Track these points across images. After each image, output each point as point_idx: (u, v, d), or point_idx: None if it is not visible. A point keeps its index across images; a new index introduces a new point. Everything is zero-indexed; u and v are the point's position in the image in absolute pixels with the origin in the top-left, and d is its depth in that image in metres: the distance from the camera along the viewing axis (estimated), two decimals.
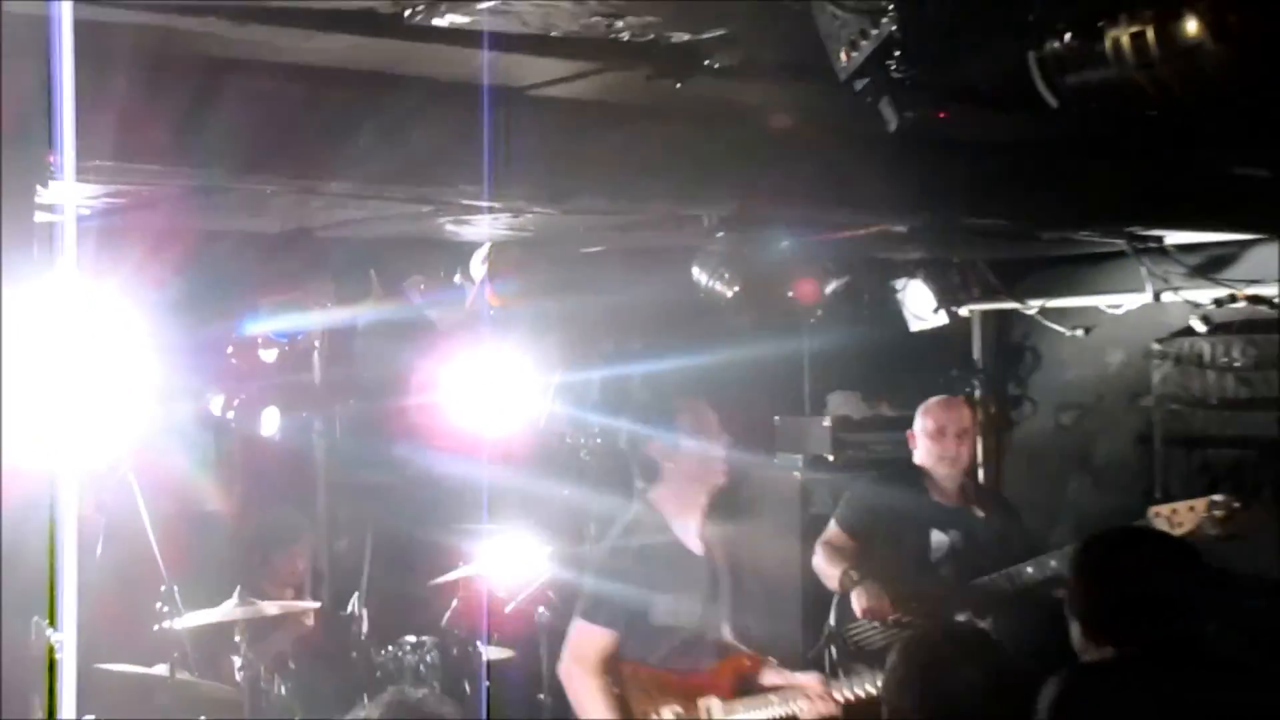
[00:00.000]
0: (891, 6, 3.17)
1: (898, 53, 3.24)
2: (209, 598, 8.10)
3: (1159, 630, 4.25)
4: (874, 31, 3.28)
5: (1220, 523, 7.17)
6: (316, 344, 9.89)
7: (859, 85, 3.43)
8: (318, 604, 8.93)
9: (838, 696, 6.64)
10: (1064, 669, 4.28)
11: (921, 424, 7.99)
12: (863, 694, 6.57)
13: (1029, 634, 7.55)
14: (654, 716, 6.50)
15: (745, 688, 6.71)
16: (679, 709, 6.53)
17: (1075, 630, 4.50)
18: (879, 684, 6.40)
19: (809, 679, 6.76)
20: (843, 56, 3.42)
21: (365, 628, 8.69)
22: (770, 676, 6.85)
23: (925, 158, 6.71)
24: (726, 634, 6.87)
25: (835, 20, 3.42)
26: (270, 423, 9.50)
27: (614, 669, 6.55)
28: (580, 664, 6.54)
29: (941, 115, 3.40)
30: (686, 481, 6.73)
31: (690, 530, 6.75)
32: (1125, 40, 3.49)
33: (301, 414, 9.83)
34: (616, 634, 6.52)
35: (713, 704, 6.56)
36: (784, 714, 6.63)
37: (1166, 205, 7.86)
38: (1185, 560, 4.52)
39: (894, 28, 3.21)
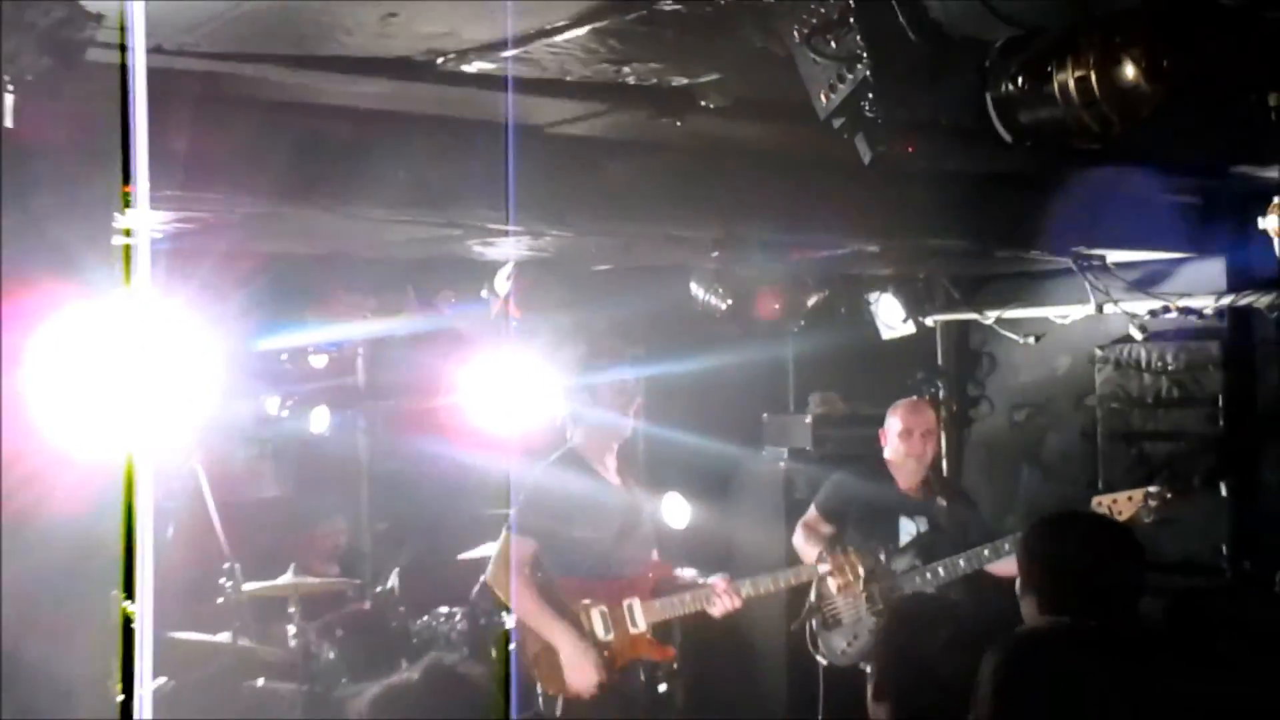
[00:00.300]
0: (865, 54, 3.17)
1: (871, 95, 3.25)
2: (266, 573, 8.10)
3: (1096, 604, 4.21)
4: (850, 75, 3.28)
5: (1155, 510, 7.18)
6: (360, 351, 9.91)
7: (837, 123, 3.43)
8: (359, 580, 8.93)
9: (743, 592, 6.96)
10: (1006, 635, 4.26)
11: (891, 423, 7.99)
12: (762, 590, 7.09)
13: (983, 609, 7.60)
14: (582, 614, 6.74)
15: (662, 590, 6.95)
16: (604, 608, 6.77)
17: (1025, 607, 4.47)
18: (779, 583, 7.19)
19: (717, 579, 7.03)
20: (822, 98, 3.42)
21: (403, 601, 8.69)
22: (683, 580, 7.24)
23: (895, 187, 6.72)
24: (649, 553, 7.10)
25: (816, 65, 3.42)
26: (319, 420, 9.50)
27: (541, 580, 6.81)
28: (506, 569, 6.79)
29: (910, 149, 3.39)
30: (600, 435, 7.03)
31: (609, 468, 7.07)
32: (1071, 82, 3.48)
33: (347, 413, 9.83)
34: (538, 544, 6.81)
35: (634, 603, 6.81)
36: (696, 609, 6.95)
37: (1106, 228, 7.86)
38: (1120, 541, 4.51)
39: (867, 73, 3.21)
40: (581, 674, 6.60)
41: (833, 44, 3.31)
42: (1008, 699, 3.90)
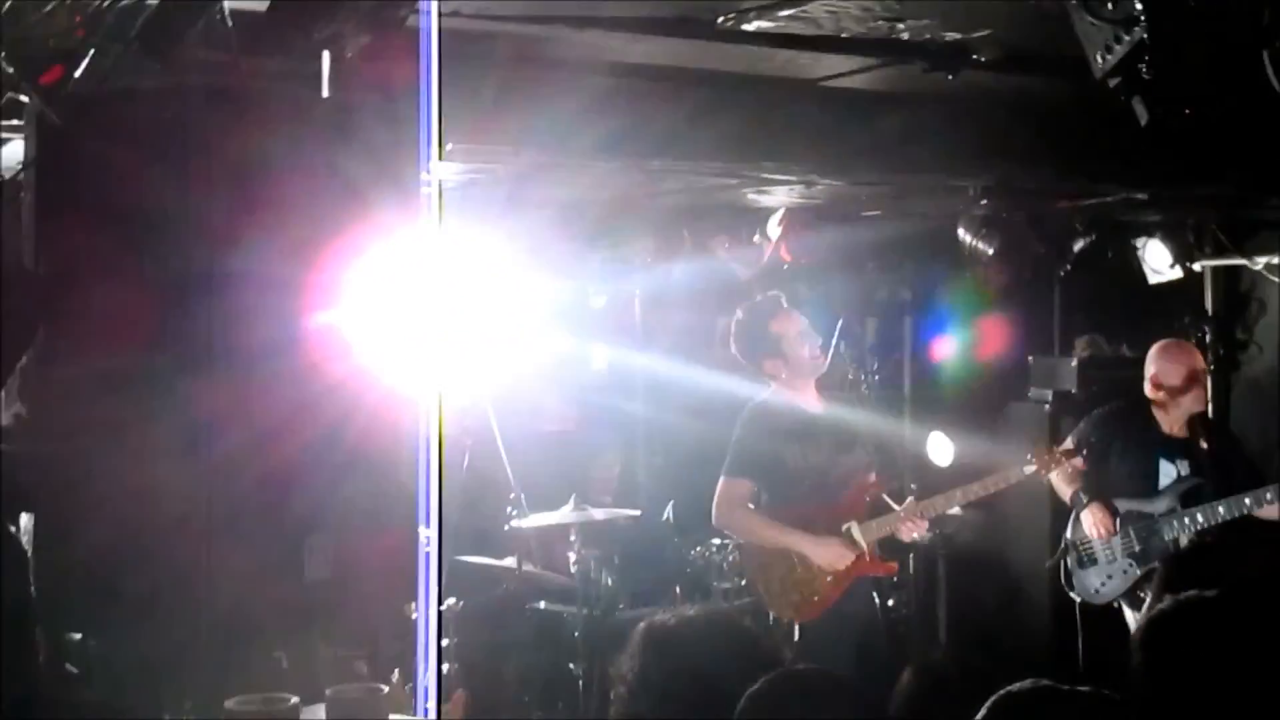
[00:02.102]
0: (1143, 17, 3.11)
1: (1147, 57, 3.19)
2: (549, 505, 8.27)
3: None
4: (1126, 37, 3.22)
5: None
6: (637, 292, 10.00)
7: (1113, 83, 3.37)
8: (638, 511, 9.05)
9: (938, 508, 6.97)
10: None
11: (1152, 364, 7.77)
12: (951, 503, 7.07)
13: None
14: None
15: (878, 509, 6.87)
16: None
17: None
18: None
19: (911, 499, 6.94)
20: (1099, 58, 3.36)
21: (678, 531, 8.80)
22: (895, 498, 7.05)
23: (1165, 137, 6.55)
24: (865, 475, 7.00)
25: (1092, 27, 3.36)
26: (600, 357, 9.65)
27: (763, 511, 6.85)
28: (729, 508, 6.85)
29: (1187, 112, 3.32)
30: (796, 371, 6.93)
31: (811, 399, 6.99)
32: None
33: (625, 350, 9.94)
34: (753, 482, 6.85)
35: (851, 526, 6.76)
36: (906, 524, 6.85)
37: None
38: None
39: (1144, 35, 3.15)
40: (835, 555, 6.66)
41: (1110, 5, 3.26)
42: None
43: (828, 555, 6.67)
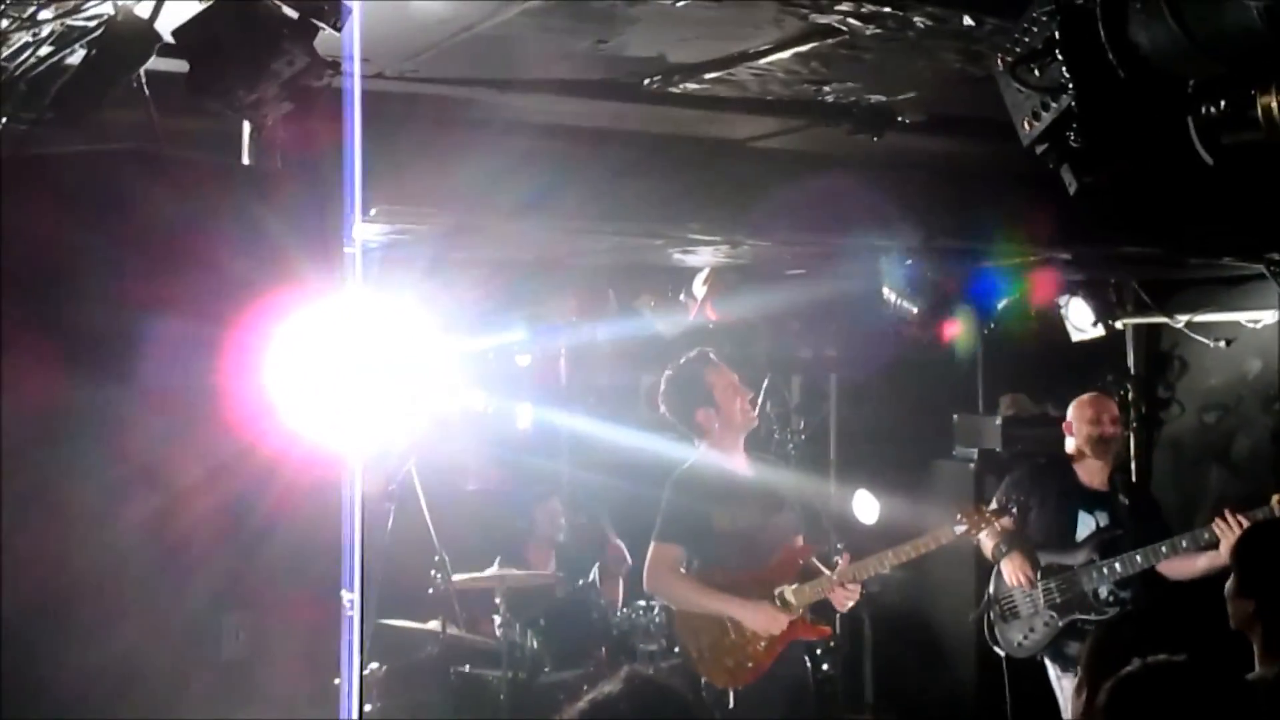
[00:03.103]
0: (1070, 85, 3.11)
1: (1075, 125, 3.19)
2: (474, 564, 8.21)
3: None
4: (1054, 104, 3.22)
5: None
6: (563, 351, 9.98)
7: (1040, 150, 3.37)
8: (560, 574, 8.98)
9: (870, 570, 6.90)
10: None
11: (1073, 417, 7.82)
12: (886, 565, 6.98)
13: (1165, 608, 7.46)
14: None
15: (810, 572, 6.83)
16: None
17: (1235, 608, 4.12)
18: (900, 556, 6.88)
19: (840, 557, 6.95)
20: (1026, 125, 3.36)
21: (603, 593, 8.75)
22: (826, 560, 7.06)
23: (1088, 198, 6.60)
24: (794, 538, 6.98)
25: (1019, 94, 3.36)
26: (524, 416, 9.60)
27: (694, 576, 6.79)
28: (660, 573, 6.80)
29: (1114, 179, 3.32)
30: (726, 432, 6.89)
31: (740, 462, 6.95)
32: (1275, 105, 3.38)
33: (550, 409, 9.90)
34: (683, 547, 6.76)
35: (784, 590, 6.71)
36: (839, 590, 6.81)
37: None
38: None
39: (1072, 103, 3.15)
40: (769, 620, 6.61)
41: (1037, 73, 3.26)
42: None
43: (761, 620, 6.62)
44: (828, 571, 6.81)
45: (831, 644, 7.38)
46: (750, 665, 6.67)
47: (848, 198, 6.63)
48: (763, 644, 6.66)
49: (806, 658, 6.98)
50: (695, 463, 6.94)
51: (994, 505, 7.65)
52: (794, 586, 6.74)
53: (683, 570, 6.79)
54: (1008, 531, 7.65)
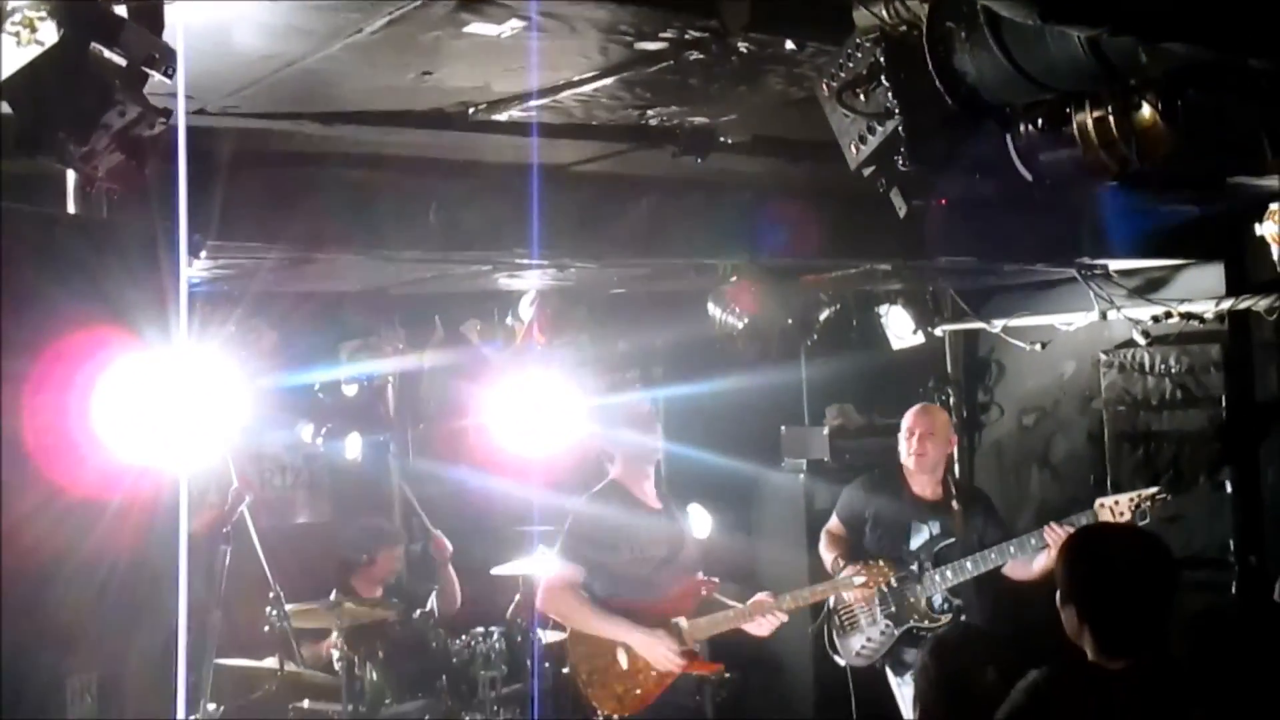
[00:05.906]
0: (897, 111, 3.19)
1: (902, 149, 3.26)
2: (309, 598, 8.12)
3: (1134, 627, 4.05)
4: (880, 128, 3.30)
5: (1152, 511, 7.21)
6: (390, 380, 9.93)
7: (867, 173, 3.45)
8: (397, 602, 8.91)
9: (784, 607, 7.07)
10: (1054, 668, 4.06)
11: (905, 430, 7.97)
12: (802, 603, 7.28)
13: (990, 613, 7.65)
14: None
15: (707, 608, 7.01)
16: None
17: (1067, 616, 4.24)
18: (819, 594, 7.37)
19: (761, 595, 7.13)
20: (853, 149, 3.44)
21: (441, 622, 8.71)
22: (725, 597, 7.21)
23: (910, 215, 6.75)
24: (694, 573, 7.13)
25: (845, 118, 3.43)
26: (353, 447, 9.52)
27: (591, 600, 6.88)
28: (557, 592, 6.90)
29: (944, 202, 3.42)
30: (635, 462, 7.05)
31: (648, 493, 7.09)
32: (1090, 124, 3.51)
33: (378, 439, 9.83)
34: (585, 570, 6.85)
35: (680, 622, 6.84)
36: (740, 624, 7.04)
37: (1108, 238, 7.88)
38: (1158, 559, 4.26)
39: (898, 127, 3.23)
40: (664, 650, 6.67)
41: (863, 98, 3.33)
42: None
43: (655, 648, 6.64)
44: (737, 605, 6.90)
45: (729, 676, 7.40)
46: (639, 693, 6.71)
47: (673, 219, 6.72)
48: (654, 674, 6.68)
49: (697, 694, 7.02)
50: (603, 488, 7.04)
51: (833, 522, 7.96)
52: (690, 619, 6.80)
53: (582, 593, 6.79)
54: (845, 544, 7.81)
